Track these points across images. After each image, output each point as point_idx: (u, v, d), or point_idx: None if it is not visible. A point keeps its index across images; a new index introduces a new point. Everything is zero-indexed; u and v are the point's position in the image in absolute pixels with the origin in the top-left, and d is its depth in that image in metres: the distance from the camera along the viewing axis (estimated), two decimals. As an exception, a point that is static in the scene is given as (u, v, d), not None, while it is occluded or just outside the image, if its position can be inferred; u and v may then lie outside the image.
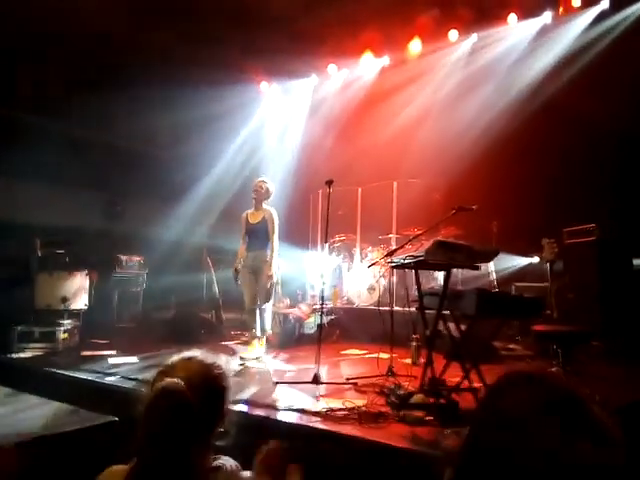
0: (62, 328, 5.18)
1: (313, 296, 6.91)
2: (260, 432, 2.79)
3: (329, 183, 4.11)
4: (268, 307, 4.96)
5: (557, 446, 0.58)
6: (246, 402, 3.17)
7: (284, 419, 2.91)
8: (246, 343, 5.16)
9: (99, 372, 3.95)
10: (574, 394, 0.65)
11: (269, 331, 4.96)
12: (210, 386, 1.32)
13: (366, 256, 7.00)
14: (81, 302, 5.67)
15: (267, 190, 4.99)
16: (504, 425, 0.63)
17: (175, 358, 1.37)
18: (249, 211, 5.06)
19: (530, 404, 0.64)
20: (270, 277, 4.81)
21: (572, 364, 3.51)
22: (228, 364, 1.47)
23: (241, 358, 4.62)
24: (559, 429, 0.60)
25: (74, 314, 5.62)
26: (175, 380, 1.25)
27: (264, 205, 5.01)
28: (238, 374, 4.16)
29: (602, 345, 4.48)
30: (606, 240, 5.03)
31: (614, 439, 0.59)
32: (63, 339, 5.16)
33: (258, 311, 4.86)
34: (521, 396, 0.65)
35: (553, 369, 3.63)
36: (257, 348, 4.81)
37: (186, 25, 7.11)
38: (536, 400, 0.64)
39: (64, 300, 5.40)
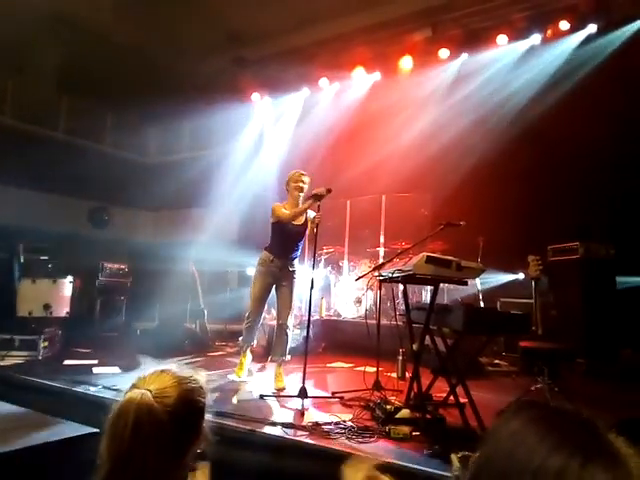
0: (43, 336, 5.07)
1: (300, 308, 6.88)
2: (245, 446, 2.76)
3: (329, 191, 3.94)
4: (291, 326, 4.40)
5: (567, 468, 0.59)
6: (231, 415, 3.13)
7: (270, 433, 2.88)
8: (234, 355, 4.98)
9: (81, 382, 3.87)
10: (583, 417, 0.66)
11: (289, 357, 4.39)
12: (184, 400, 1.24)
13: (354, 268, 7.02)
14: (63, 310, 5.57)
15: (309, 184, 4.30)
16: (513, 448, 0.65)
17: (148, 371, 1.30)
18: (287, 205, 4.27)
19: (540, 427, 0.66)
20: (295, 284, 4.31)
21: (557, 381, 3.55)
22: (204, 379, 1.38)
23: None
24: (570, 451, 0.61)
25: (56, 322, 5.52)
26: (142, 391, 1.19)
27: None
28: (223, 387, 4.11)
29: (586, 362, 4.54)
30: (590, 258, 5.11)
31: (625, 461, 0.60)
32: (44, 347, 5.05)
33: (278, 330, 4.33)
34: (530, 418, 0.67)
35: (538, 386, 3.67)
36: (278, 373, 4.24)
37: (179, 36, 7.14)
38: (546, 423, 0.66)
39: (46, 307, 5.30)
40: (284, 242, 4.26)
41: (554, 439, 0.63)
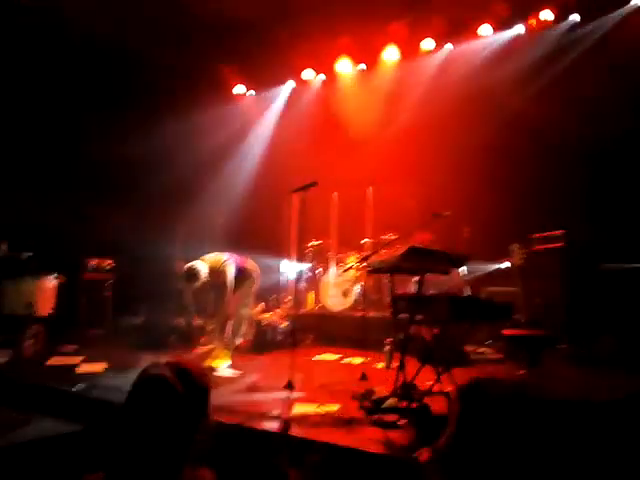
0: (27, 334, 5.00)
1: (287, 301, 6.89)
2: (234, 440, 2.77)
3: (314, 184, 3.99)
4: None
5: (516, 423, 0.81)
6: (219, 409, 3.13)
7: (258, 426, 2.88)
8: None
9: (66, 380, 3.83)
10: (519, 385, 0.84)
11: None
12: (193, 383, 1.33)
13: (341, 261, 7.03)
14: (47, 307, 5.50)
15: (197, 275, 4.63)
16: (482, 412, 0.85)
17: (158, 360, 1.39)
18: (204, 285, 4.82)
19: (496, 395, 0.87)
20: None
21: (540, 367, 3.61)
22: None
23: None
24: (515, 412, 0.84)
25: (40, 320, 5.44)
26: (159, 373, 1.28)
27: (211, 271, 4.69)
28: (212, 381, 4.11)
29: (568, 349, 4.62)
30: (573, 246, 5.19)
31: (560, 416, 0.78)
32: (27, 346, 4.99)
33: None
34: (490, 390, 0.88)
35: (521, 372, 3.73)
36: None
37: (160, 31, 7.01)
38: (500, 392, 0.89)
39: (29, 305, 5.22)
40: None
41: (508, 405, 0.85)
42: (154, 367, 1.32)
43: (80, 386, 3.59)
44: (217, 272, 4.72)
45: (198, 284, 4.63)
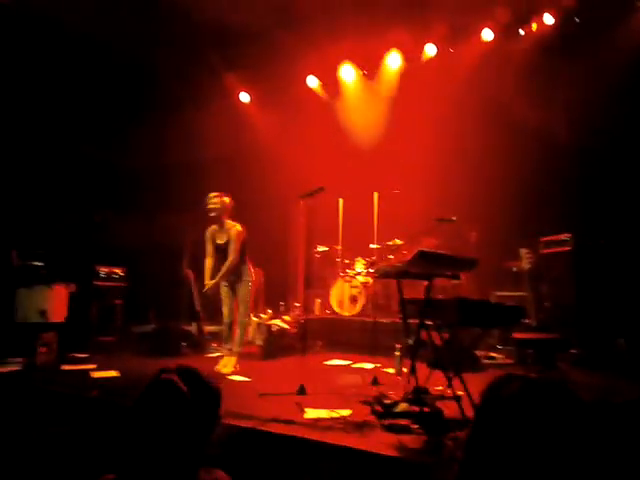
0: (40, 342, 5.06)
1: (296, 307, 6.92)
2: (246, 443, 2.79)
3: (320, 189, 4.05)
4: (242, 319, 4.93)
5: (546, 421, 0.81)
6: (232, 414, 3.15)
7: (270, 430, 2.91)
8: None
9: (79, 387, 3.88)
10: (551, 382, 0.89)
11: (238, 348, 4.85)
12: (204, 387, 1.36)
13: (349, 266, 7.05)
14: (60, 315, 5.56)
15: (223, 203, 4.82)
16: (504, 411, 0.85)
17: (172, 363, 1.41)
18: (215, 227, 4.91)
19: (522, 392, 0.87)
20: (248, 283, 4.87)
21: (551, 371, 3.61)
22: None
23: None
24: (545, 408, 0.83)
25: (52, 327, 5.50)
26: (170, 376, 1.31)
27: (227, 221, 4.86)
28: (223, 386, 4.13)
29: (579, 352, 4.61)
30: (581, 249, 5.19)
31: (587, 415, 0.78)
32: (40, 353, 5.04)
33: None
34: (514, 386, 0.88)
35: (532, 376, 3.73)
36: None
37: (167, 40, 7.10)
38: (527, 389, 0.87)
39: (42, 313, 5.29)
40: (219, 257, 4.89)
41: (535, 403, 0.83)
42: (162, 371, 1.35)
43: (96, 392, 3.63)
44: (226, 230, 4.82)
45: (215, 215, 4.77)
